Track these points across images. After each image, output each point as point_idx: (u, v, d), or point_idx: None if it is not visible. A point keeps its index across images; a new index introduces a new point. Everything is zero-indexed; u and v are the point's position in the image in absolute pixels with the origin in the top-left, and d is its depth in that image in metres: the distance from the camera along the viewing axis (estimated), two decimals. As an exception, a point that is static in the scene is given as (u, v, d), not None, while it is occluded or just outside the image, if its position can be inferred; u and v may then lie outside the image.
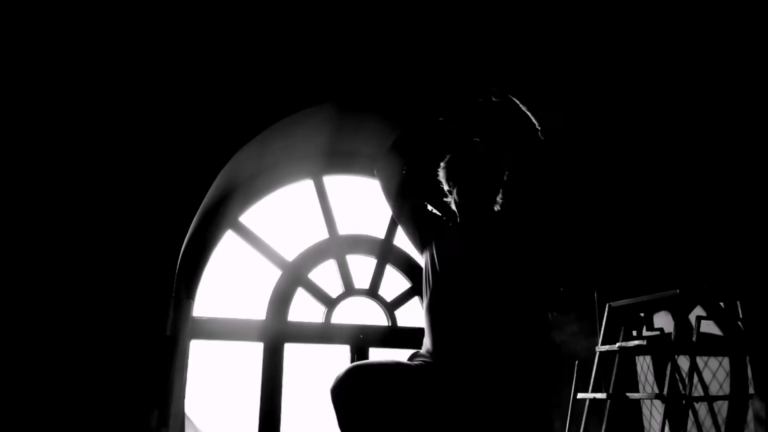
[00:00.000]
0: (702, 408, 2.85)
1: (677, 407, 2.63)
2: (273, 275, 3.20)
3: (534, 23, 3.15)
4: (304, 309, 3.23)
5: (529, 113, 2.16)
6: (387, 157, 2.35)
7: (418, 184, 2.32)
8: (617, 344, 2.84)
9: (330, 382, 1.84)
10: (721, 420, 2.74)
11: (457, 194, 2.14)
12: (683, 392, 2.72)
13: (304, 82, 2.95)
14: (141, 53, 2.81)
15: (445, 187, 2.23)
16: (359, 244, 3.39)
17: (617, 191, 3.24)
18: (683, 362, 2.82)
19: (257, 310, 3.14)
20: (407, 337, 3.26)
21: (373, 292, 3.33)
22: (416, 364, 1.90)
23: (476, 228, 2.06)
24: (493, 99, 2.25)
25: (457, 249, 2.01)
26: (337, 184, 3.47)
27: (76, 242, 2.56)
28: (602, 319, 2.98)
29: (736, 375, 2.72)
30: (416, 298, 3.41)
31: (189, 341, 2.85)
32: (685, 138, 3.19)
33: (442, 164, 2.24)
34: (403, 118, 3.16)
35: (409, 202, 2.27)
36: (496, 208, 2.18)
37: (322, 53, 3.00)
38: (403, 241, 3.45)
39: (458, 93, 2.36)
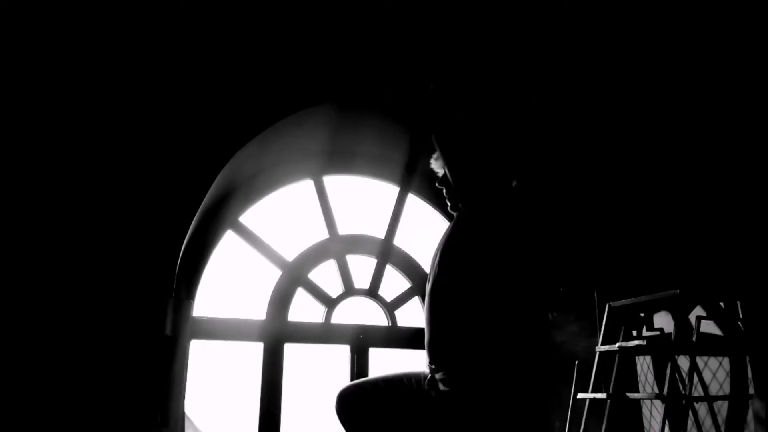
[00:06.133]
0: (702, 408, 2.85)
1: (677, 407, 2.63)
2: (273, 275, 3.21)
3: (535, 23, 3.15)
4: (304, 309, 3.23)
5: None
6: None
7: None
8: (617, 344, 2.84)
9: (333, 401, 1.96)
10: (721, 420, 2.74)
11: (452, 188, 1.96)
12: (683, 392, 2.71)
13: (304, 82, 2.95)
14: (141, 53, 2.81)
15: (440, 173, 2.04)
16: (359, 244, 3.39)
17: (617, 191, 3.24)
18: (683, 362, 2.82)
19: (257, 310, 3.14)
20: (407, 337, 3.26)
21: (373, 292, 3.33)
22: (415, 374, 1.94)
23: (476, 225, 2.03)
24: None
25: (455, 246, 1.99)
26: (337, 184, 3.47)
27: (76, 242, 2.56)
28: (602, 319, 2.98)
29: (736, 375, 2.72)
30: (416, 298, 3.41)
31: (189, 341, 2.85)
32: (685, 138, 3.19)
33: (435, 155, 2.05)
34: (403, 118, 3.16)
35: None
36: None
37: (321, 53, 3.00)
38: (403, 241, 3.45)
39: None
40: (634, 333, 3.04)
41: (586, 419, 2.83)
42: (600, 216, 3.22)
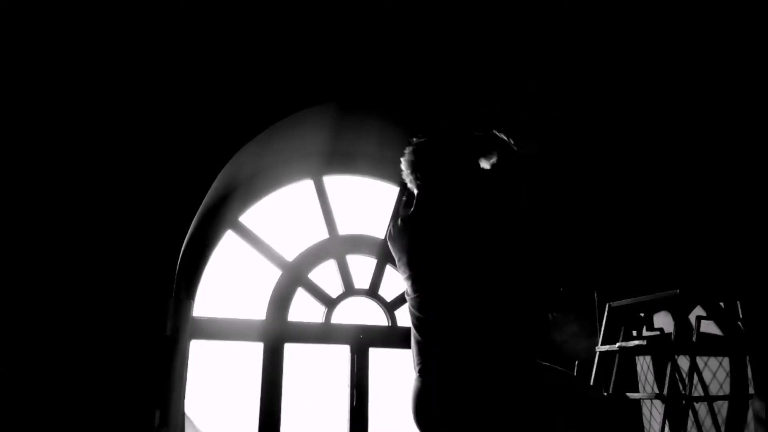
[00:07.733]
0: (702, 408, 2.85)
1: (677, 407, 2.63)
2: (273, 275, 3.21)
3: (532, 23, 3.15)
4: (304, 309, 3.23)
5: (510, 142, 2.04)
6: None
7: None
8: (617, 344, 2.84)
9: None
10: (721, 420, 2.74)
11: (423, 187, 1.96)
12: (683, 392, 2.72)
13: (304, 82, 2.95)
14: (141, 53, 2.81)
15: (409, 181, 2.02)
16: (359, 244, 3.39)
17: (617, 192, 3.24)
18: (683, 362, 2.82)
19: (257, 310, 3.14)
20: (407, 337, 3.25)
21: (373, 292, 3.33)
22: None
23: (470, 227, 2.02)
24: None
25: (450, 250, 1.97)
26: (337, 184, 3.47)
27: (76, 243, 2.56)
28: (602, 319, 2.98)
29: (736, 375, 2.72)
30: (416, 298, 3.40)
31: (189, 341, 2.85)
32: (685, 139, 3.19)
33: (406, 152, 2.01)
34: (403, 118, 3.16)
35: None
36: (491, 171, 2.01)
37: (322, 53, 3.00)
38: (403, 241, 3.44)
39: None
40: (634, 333, 3.04)
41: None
42: (600, 216, 3.22)
